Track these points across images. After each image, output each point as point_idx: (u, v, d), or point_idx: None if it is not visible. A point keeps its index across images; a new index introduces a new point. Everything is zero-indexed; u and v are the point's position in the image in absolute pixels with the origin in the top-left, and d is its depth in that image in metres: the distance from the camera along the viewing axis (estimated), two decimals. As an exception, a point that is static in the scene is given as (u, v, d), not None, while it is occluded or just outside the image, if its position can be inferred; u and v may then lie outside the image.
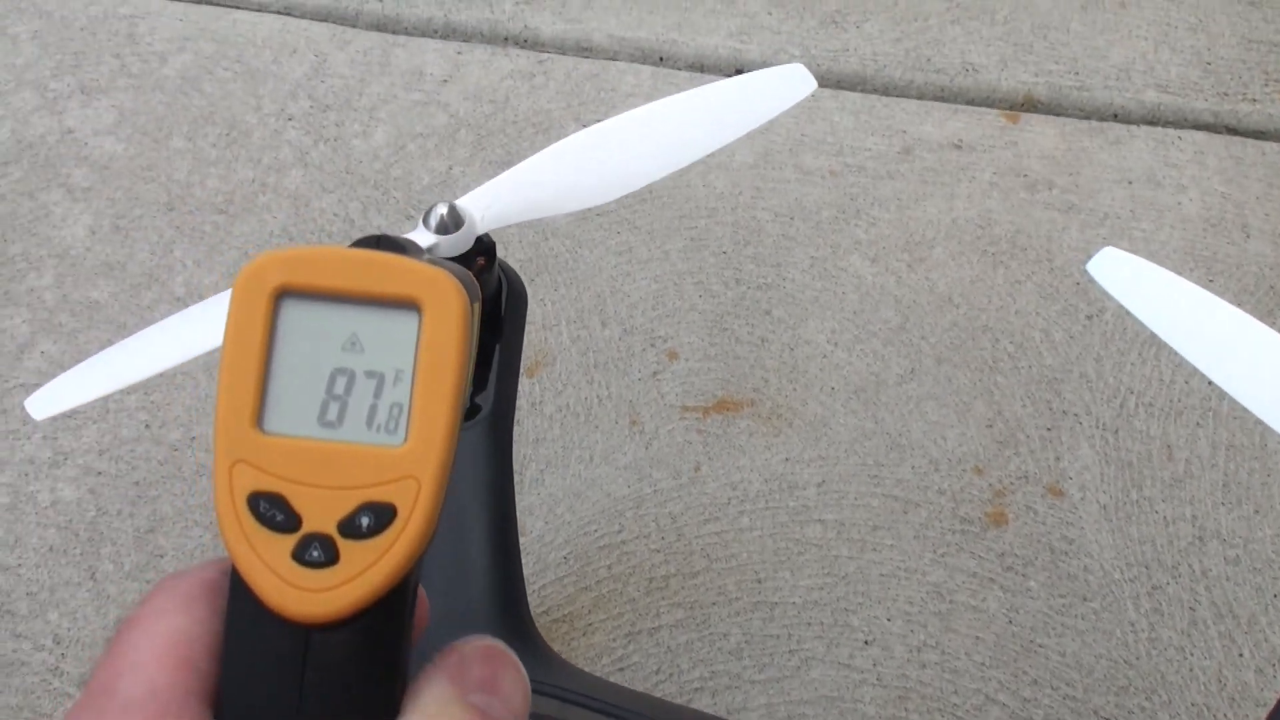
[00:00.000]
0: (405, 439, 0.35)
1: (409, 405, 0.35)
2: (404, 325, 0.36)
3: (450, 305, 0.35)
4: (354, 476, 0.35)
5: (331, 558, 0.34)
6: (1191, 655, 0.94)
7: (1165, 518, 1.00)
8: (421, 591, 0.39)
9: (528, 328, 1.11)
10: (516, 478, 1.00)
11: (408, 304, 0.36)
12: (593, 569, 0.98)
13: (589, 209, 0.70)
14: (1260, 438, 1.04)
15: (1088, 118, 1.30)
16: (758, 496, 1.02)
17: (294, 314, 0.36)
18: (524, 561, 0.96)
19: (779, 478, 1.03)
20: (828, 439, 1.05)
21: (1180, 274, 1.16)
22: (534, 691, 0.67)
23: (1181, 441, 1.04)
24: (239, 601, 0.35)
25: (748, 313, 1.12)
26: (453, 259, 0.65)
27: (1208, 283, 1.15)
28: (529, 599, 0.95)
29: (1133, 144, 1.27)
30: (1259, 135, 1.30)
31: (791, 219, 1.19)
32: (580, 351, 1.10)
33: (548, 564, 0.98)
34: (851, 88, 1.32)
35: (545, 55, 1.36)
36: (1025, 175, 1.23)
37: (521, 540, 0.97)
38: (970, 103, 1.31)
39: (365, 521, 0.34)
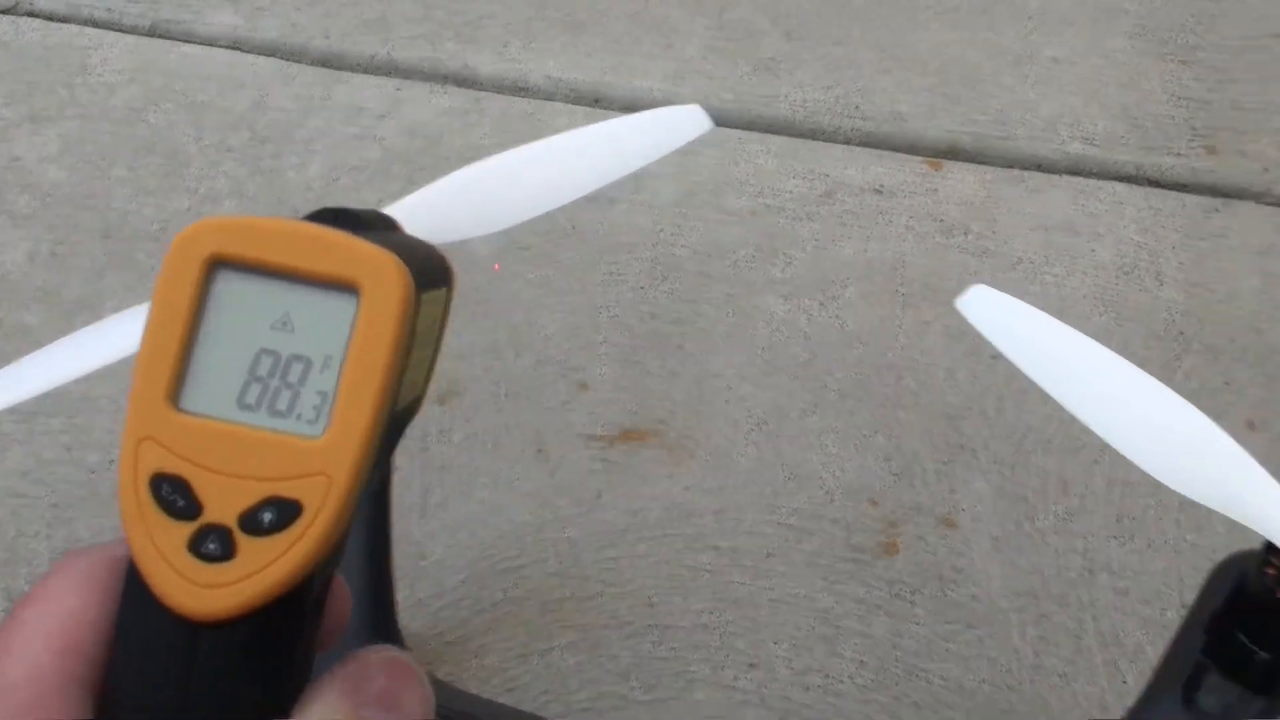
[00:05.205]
0: (323, 432, 0.33)
1: (334, 396, 0.33)
2: (340, 308, 0.34)
3: (390, 291, 0.33)
4: (263, 467, 0.33)
5: (228, 552, 0.32)
6: (1075, 681, 0.96)
7: (1056, 550, 1.02)
8: (346, 592, 0.37)
9: (440, 357, 1.13)
10: (420, 503, 1.02)
11: (346, 286, 0.34)
12: (489, 593, 0.99)
13: (479, 238, 0.72)
14: (1155, 476, 1.06)
15: (1010, 167, 1.33)
16: (656, 524, 1.03)
17: (225, 286, 0.34)
18: (422, 585, 0.98)
19: (678, 506, 1.04)
20: (728, 469, 1.07)
21: (1089, 318, 1.19)
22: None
23: (1076, 477, 1.06)
24: (132, 588, 0.33)
25: (660, 347, 1.15)
26: None
27: (1117, 327, 1.17)
28: (424, 621, 0.97)
29: (1052, 193, 1.30)
30: (1180, 188, 1.33)
31: (710, 257, 1.22)
32: (492, 381, 1.12)
33: (445, 588, 1.00)
34: (780, 132, 1.35)
35: (482, 94, 1.39)
36: (942, 220, 1.26)
37: (421, 564, 0.99)
38: (895, 149, 1.34)
39: (267, 517, 0.32)
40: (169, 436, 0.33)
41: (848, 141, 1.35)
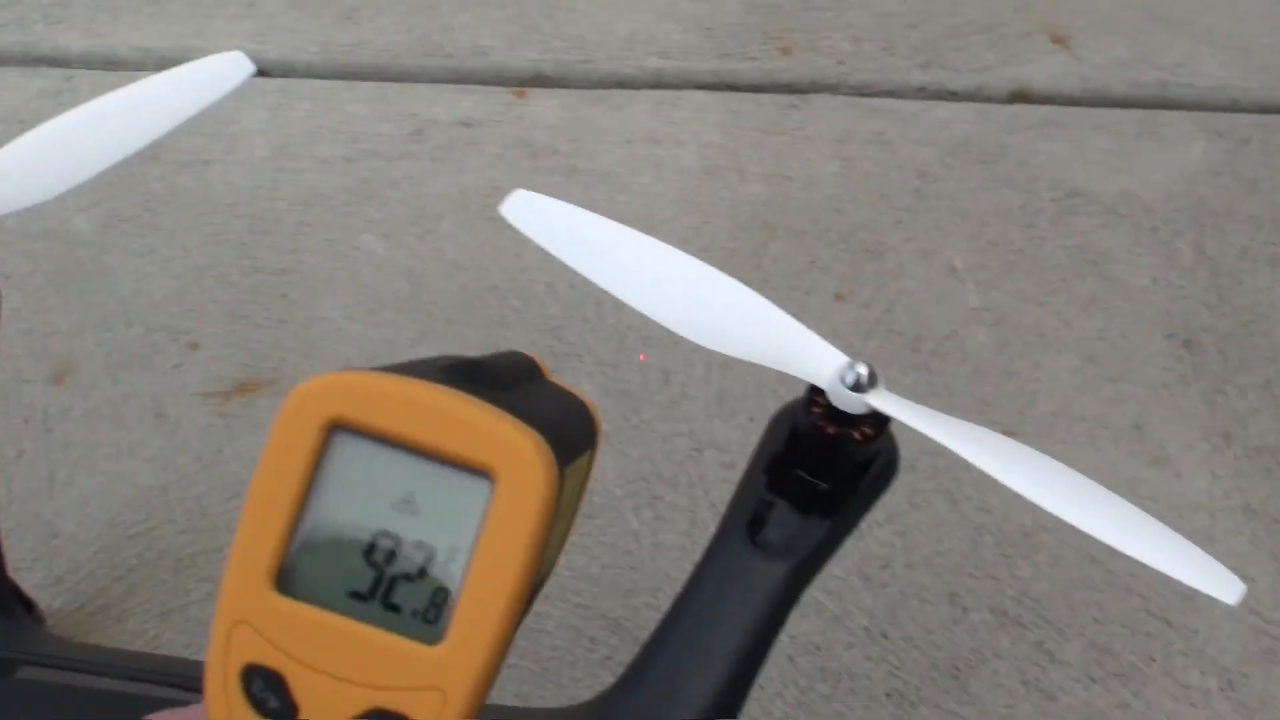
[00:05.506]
0: (442, 638, 0.29)
1: (457, 595, 0.29)
2: (471, 493, 0.29)
3: (530, 482, 0.29)
4: (371, 672, 0.29)
5: None
6: (693, 553, 1.02)
7: (663, 436, 1.09)
8: None
9: (53, 337, 1.13)
10: (47, 484, 1.03)
11: (480, 470, 0.29)
12: (123, 559, 1.01)
13: (38, 205, 0.72)
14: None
15: (592, 88, 1.39)
16: (281, 468, 1.06)
17: (345, 454, 0.30)
18: (58, 563, 0.99)
19: (300, 448, 1.07)
20: (346, 406, 1.10)
21: (677, 219, 1.26)
22: (32, 664, 0.69)
23: (678, 368, 1.13)
24: None
25: (265, 298, 1.17)
26: None
27: (703, 224, 1.25)
28: (64, 599, 0.98)
29: (633, 108, 1.37)
30: (755, 89, 1.41)
31: (307, 206, 1.24)
32: (106, 354, 1.13)
33: (79, 562, 1.00)
34: (367, 79, 1.38)
35: (74, 72, 1.38)
36: (530, 145, 1.31)
37: (54, 543, 1.00)
38: (481, 83, 1.39)
39: None
40: (267, 624, 0.29)
41: (434, 80, 1.39)
